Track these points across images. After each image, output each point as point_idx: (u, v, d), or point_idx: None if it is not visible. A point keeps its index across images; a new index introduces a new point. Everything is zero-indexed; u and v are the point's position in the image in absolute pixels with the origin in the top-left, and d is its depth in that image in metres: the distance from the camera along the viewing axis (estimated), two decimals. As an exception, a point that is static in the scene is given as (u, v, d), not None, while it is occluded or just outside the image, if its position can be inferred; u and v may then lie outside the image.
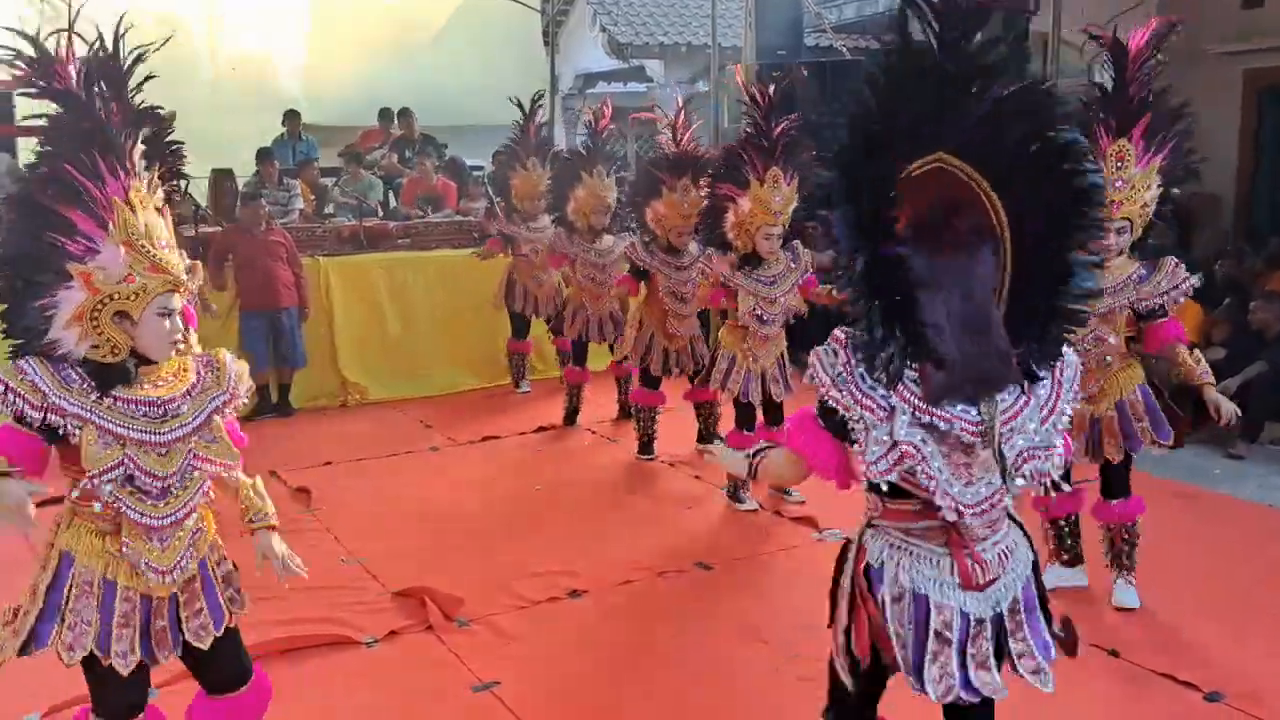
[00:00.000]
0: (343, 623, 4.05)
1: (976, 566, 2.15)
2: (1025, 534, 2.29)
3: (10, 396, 2.30)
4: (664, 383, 6.17)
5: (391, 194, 9.77)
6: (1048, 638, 2.27)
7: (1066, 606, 4.04)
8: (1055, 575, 4.13)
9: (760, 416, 5.30)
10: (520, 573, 4.56)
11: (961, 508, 2.09)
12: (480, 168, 10.58)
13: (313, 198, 9.05)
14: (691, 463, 6.07)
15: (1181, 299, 3.86)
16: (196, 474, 2.47)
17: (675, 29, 15.63)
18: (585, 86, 16.39)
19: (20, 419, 2.32)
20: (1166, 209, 3.94)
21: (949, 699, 2.16)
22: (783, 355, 5.26)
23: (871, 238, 2.00)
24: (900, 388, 2.06)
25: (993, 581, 2.18)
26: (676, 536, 5.06)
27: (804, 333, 5.14)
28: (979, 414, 2.07)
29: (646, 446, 6.20)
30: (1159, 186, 3.83)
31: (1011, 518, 2.26)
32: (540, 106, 7.69)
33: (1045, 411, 2.13)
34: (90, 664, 2.46)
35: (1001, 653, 2.22)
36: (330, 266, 7.67)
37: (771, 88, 4.94)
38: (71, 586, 2.43)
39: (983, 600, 2.17)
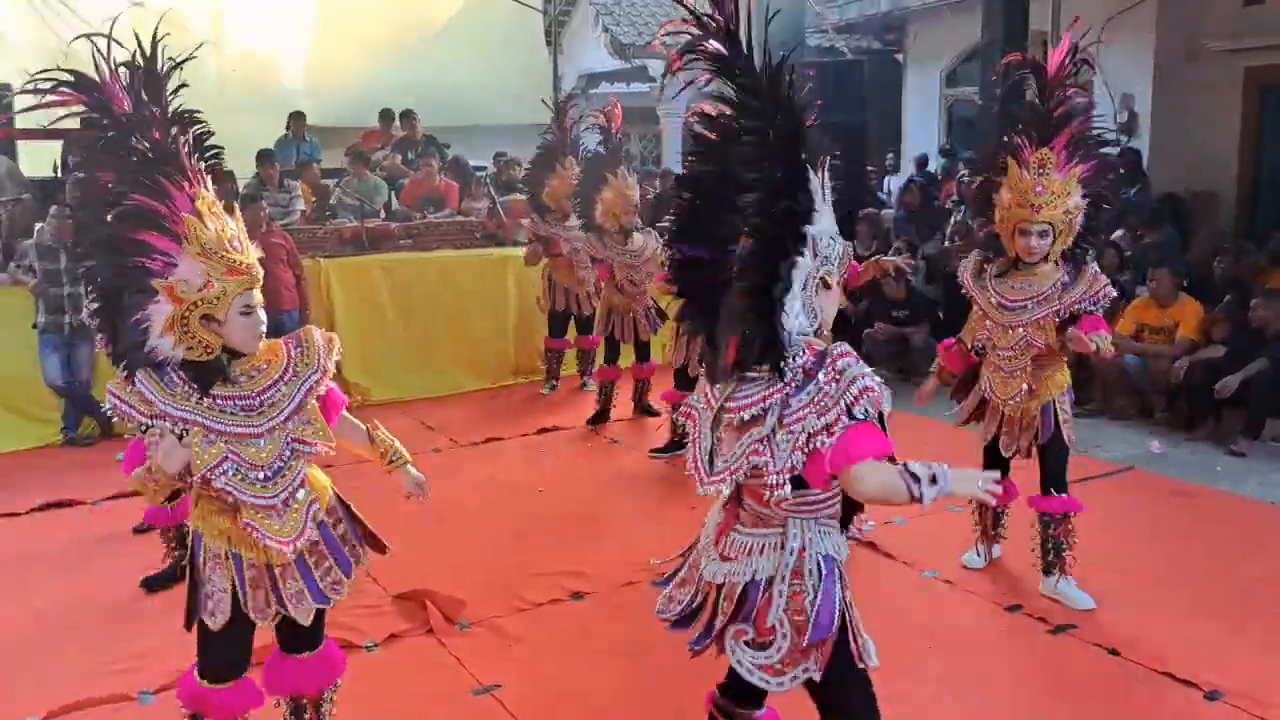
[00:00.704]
0: (343, 626, 4.04)
1: (724, 538, 2.49)
2: (783, 547, 2.41)
3: (124, 407, 2.50)
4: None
5: (393, 195, 9.77)
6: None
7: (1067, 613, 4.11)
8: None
9: None
10: (522, 575, 4.57)
11: (699, 473, 2.37)
12: (483, 168, 10.59)
13: (314, 199, 9.06)
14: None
15: (1099, 308, 3.97)
16: (299, 455, 2.64)
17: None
18: (589, 87, 16.40)
19: (144, 430, 2.51)
20: (1100, 221, 4.06)
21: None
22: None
23: (684, 242, 2.38)
24: None
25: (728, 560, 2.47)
26: (680, 537, 4.97)
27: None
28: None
29: (679, 444, 6.22)
30: (1083, 197, 3.94)
31: (787, 529, 2.39)
32: (574, 105, 7.73)
33: (790, 415, 2.22)
34: (203, 626, 2.68)
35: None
36: (331, 268, 7.68)
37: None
38: (205, 561, 2.65)
39: (717, 568, 2.51)
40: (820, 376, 2.22)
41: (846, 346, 2.29)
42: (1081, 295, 3.96)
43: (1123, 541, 4.82)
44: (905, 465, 2.19)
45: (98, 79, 2.49)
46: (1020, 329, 4.02)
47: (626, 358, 7.14)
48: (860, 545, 4.95)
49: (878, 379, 2.25)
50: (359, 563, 2.90)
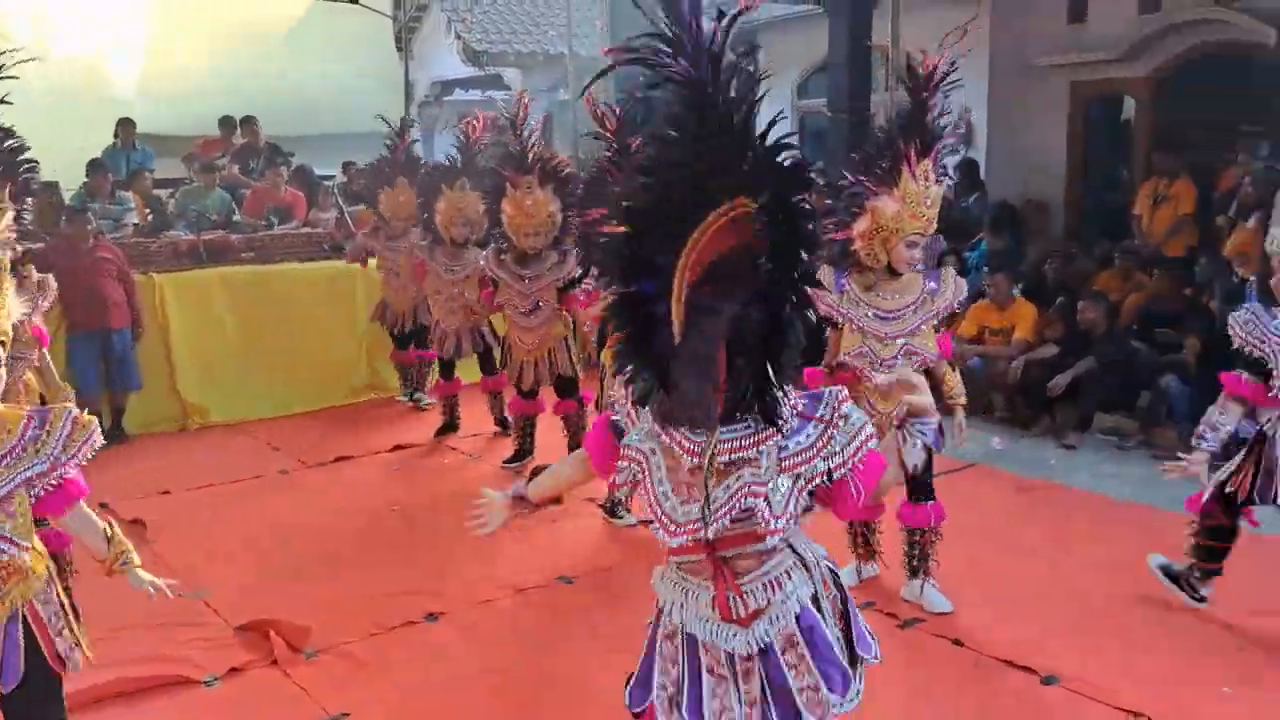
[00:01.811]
0: (180, 661, 3.85)
1: (736, 599, 2.14)
2: (804, 564, 2.22)
3: None
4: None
5: (235, 206, 9.40)
6: (844, 663, 2.22)
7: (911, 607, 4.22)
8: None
9: None
10: (373, 597, 4.43)
11: (672, 524, 2.12)
12: (330, 177, 10.30)
13: (147, 210, 8.64)
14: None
15: (961, 309, 4.11)
16: None
17: (532, 37, 15.57)
18: (442, 94, 16.18)
19: None
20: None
21: None
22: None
23: (631, 277, 2.04)
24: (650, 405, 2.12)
25: (758, 614, 2.15)
26: (539, 552, 4.99)
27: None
28: (700, 439, 2.08)
29: (519, 456, 6.15)
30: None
31: (792, 548, 2.21)
32: (412, 125, 7.54)
33: (788, 459, 2.10)
34: None
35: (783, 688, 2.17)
36: (166, 283, 7.31)
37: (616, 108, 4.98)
38: None
39: (743, 636, 2.15)
40: (817, 418, 2.13)
41: (845, 391, 2.20)
42: (951, 298, 4.07)
43: (966, 535, 4.95)
44: None
45: None
46: (900, 339, 4.00)
47: (468, 371, 7.03)
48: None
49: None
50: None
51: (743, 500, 2.07)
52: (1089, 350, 6.58)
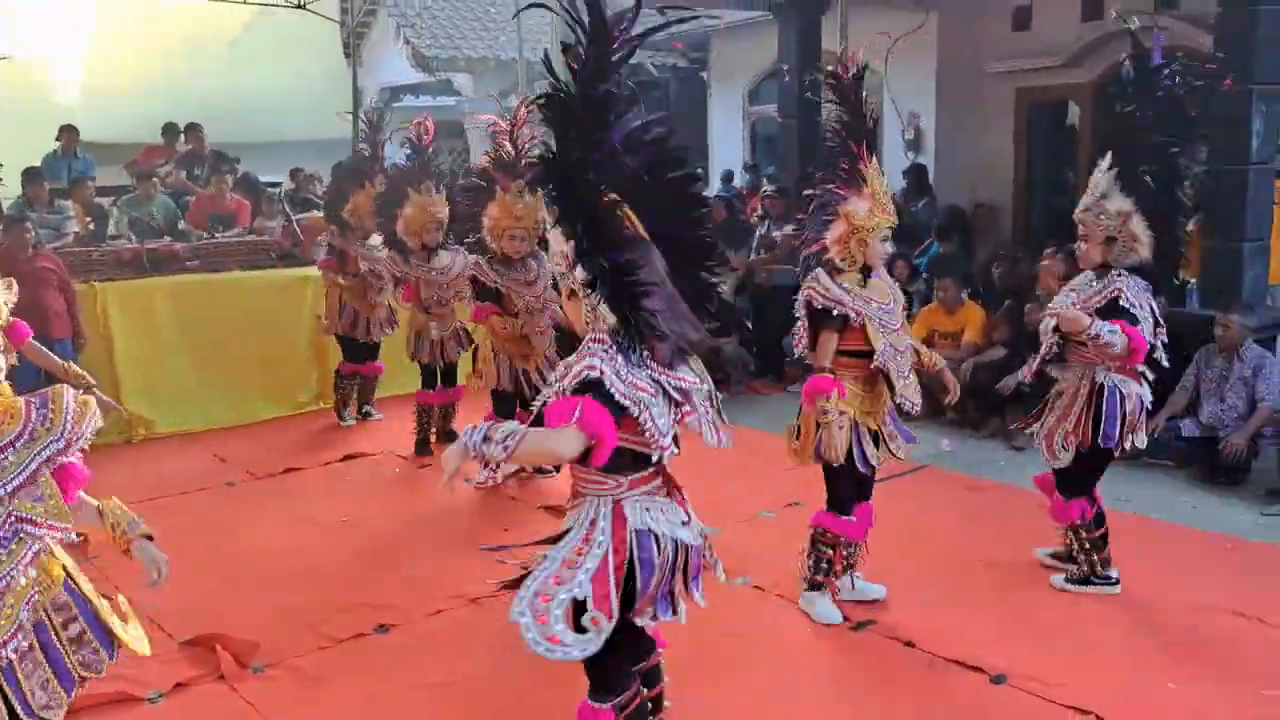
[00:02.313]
0: (122, 678, 3.75)
1: (685, 501, 2.79)
2: None
3: None
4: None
5: (180, 213, 9.25)
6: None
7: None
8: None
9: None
10: (323, 610, 4.36)
11: (673, 443, 2.63)
12: (276, 184, 10.17)
13: (88, 219, 8.47)
14: (508, 484, 5.99)
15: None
16: (22, 538, 2.28)
17: (483, 43, 15.50)
18: (391, 100, 16.05)
19: None
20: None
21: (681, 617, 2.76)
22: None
23: (597, 252, 2.49)
24: (650, 368, 2.57)
25: (690, 517, 2.79)
26: (492, 561, 4.93)
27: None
28: (694, 370, 2.68)
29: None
30: None
31: None
32: (387, 123, 7.41)
33: None
34: None
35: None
36: (109, 292, 7.16)
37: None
38: None
39: (693, 531, 2.77)
40: None
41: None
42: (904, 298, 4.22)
43: (917, 536, 5.01)
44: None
45: None
46: (899, 333, 4.07)
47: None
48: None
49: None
50: (93, 674, 2.50)
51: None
52: (1037, 352, 6.64)
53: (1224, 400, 5.82)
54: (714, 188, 12.53)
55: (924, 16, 9.20)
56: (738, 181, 12.40)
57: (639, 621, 2.68)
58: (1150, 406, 4.40)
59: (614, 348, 2.52)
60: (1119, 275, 4.20)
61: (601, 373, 2.47)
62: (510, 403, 5.83)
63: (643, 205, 2.56)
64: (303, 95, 13.55)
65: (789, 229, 8.73)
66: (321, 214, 7.98)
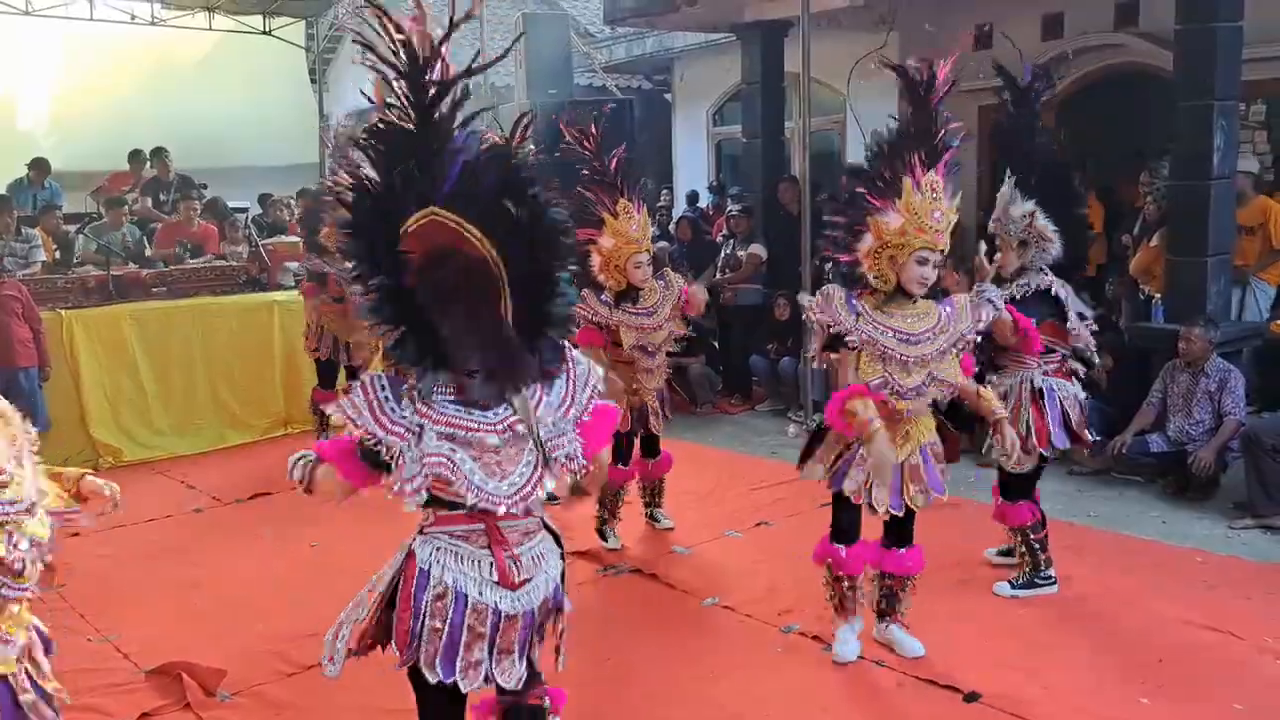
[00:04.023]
0: (88, 709, 3.69)
1: (513, 565, 2.43)
2: (558, 543, 2.57)
3: None
4: None
5: (146, 240, 9.18)
6: (558, 643, 2.59)
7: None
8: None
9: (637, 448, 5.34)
10: (291, 637, 4.30)
11: (498, 499, 2.35)
12: (244, 209, 10.12)
13: (54, 247, 8.39)
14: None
15: (978, 336, 3.82)
16: None
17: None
18: (357, 124, 16.01)
19: None
20: None
21: (476, 686, 2.45)
22: (662, 387, 5.24)
23: (384, 278, 2.31)
24: (425, 408, 2.33)
25: (526, 581, 2.45)
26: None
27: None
28: (506, 412, 2.38)
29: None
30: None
31: (547, 527, 2.54)
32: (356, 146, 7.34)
33: (563, 406, 2.45)
34: None
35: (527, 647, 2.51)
36: (75, 320, 7.10)
37: (591, 125, 5.08)
38: None
39: (515, 599, 2.44)
40: (557, 370, 2.47)
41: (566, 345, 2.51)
42: (971, 323, 3.71)
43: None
44: None
45: None
46: (926, 365, 3.62)
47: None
48: (642, 576, 4.96)
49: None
50: None
51: (556, 454, 2.40)
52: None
53: (1191, 415, 5.88)
54: (680, 208, 12.60)
55: (885, 36, 9.31)
56: (703, 201, 12.47)
57: (441, 676, 2.42)
58: (1085, 405, 4.54)
59: (379, 383, 2.37)
60: (1040, 272, 4.38)
61: (366, 432, 2.34)
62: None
63: (488, 231, 2.30)
64: (269, 121, 13.46)
65: (755, 247, 8.84)
66: (287, 239, 7.96)
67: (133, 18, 11.49)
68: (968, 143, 9.63)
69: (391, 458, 2.33)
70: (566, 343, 2.50)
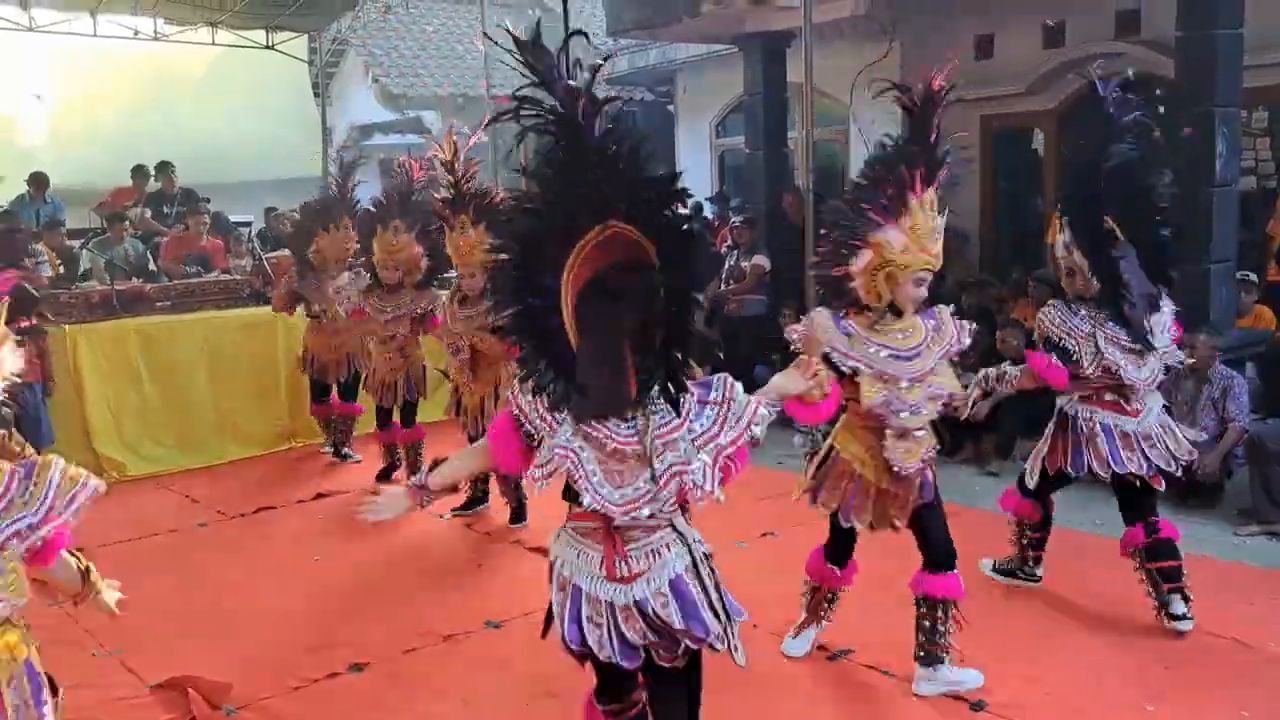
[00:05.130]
0: (92, 726, 3.70)
1: (621, 563, 2.55)
2: (685, 542, 2.65)
3: None
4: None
5: (150, 254, 9.21)
6: (705, 618, 2.59)
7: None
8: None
9: None
10: (295, 650, 4.32)
11: (611, 506, 2.47)
12: (247, 223, 10.15)
13: (59, 263, 8.42)
14: (483, 519, 5.95)
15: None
16: None
17: (450, 79, 15.59)
18: (361, 138, 16.09)
19: None
20: None
21: (611, 659, 2.56)
22: None
23: (520, 295, 2.49)
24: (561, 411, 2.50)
25: (636, 576, 2.56)
26: (466, 596, 4.92)
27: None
28: (632, 429, 2.48)
29: (472, 504, 6.01)
30: None
31: (674, 527, 2.63)
32: (357, 166, 7.41)
33: (705, 436, 2.54)
34: None
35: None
36: (79, 335, 7.11)
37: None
38: None
39: (624, 591, 2.56)
40: (713, 401, 2.57)
41: (731, 378, 2.61)
42: (955, 335, 3.67)
43: (893, 563, 4.99)
44: None
45: None
46: (922, 381, 3.57)
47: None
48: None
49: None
50: None
51: (675, 479, 2.48)
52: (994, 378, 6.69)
53: (1195, 422, 5.86)
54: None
55: (887, 46, 9.33)
56: (707, 212, 12.48)
57: (573, 647, 2.61)
58: (1149, 434, 4.24)
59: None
60: (1053, 306, 4.24)
61: (519, 409, 2.55)
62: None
63: (661, 246, 2.42)
64: (272, 135, 13.53)
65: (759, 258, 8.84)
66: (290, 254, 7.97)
67: (135, 33, 11.52)
68: (969, 157, 9.73)
69: (536, 443, 2.52)
70: (729, 377, 2.61)
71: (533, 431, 2.55)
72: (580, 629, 2.56)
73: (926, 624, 3.78)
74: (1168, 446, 4.23)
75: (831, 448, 3.81)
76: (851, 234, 3.57)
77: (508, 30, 2.42)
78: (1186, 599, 4.20)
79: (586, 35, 2.46)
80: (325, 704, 3.93)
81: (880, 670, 3.99)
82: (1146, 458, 4.19)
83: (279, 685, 4.03)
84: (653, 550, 2.58)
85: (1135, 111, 4.23)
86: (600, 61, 2.46)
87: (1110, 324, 4.13)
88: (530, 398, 2.53)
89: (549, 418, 2.52)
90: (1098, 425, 4.23)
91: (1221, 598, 4.55)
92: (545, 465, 2.49)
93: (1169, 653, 4.07)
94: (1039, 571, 4.67)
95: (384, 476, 6.78)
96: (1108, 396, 4.23)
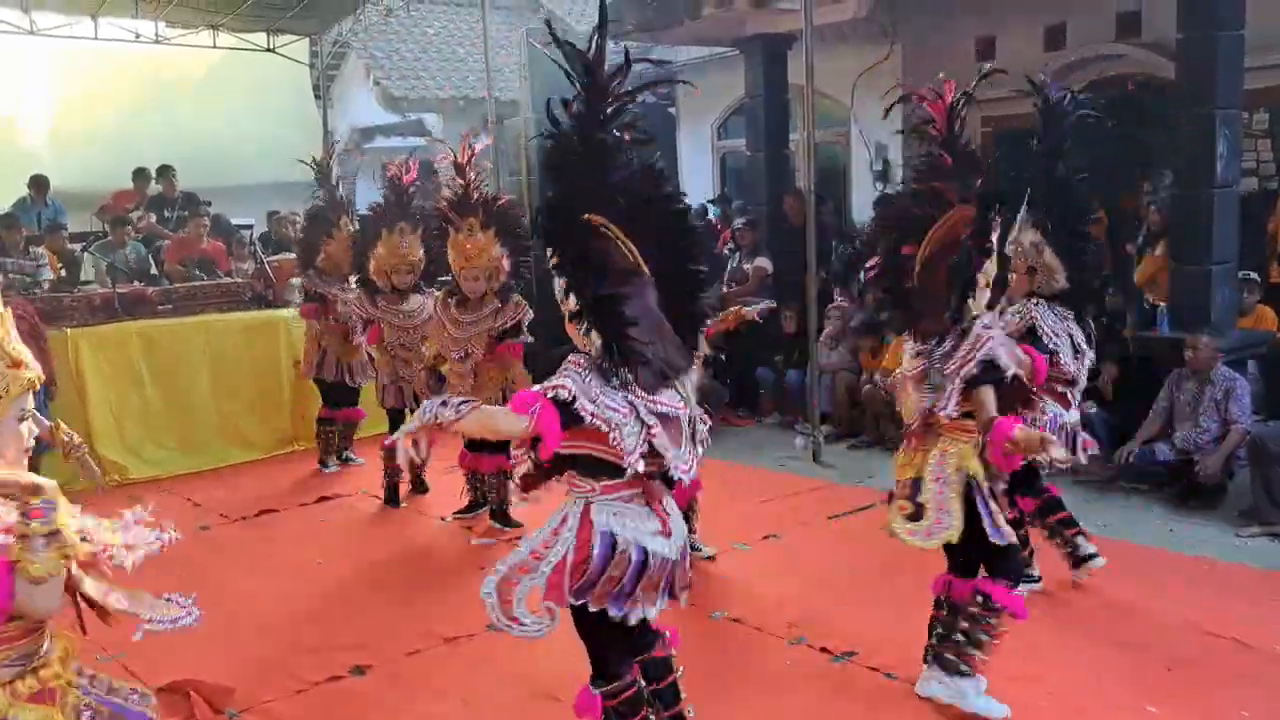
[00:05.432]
0: (95, 728, 3.70)
1: (667, 516, 2.84)
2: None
3: None
4: None
5: (152, 258, 9.22)
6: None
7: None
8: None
9: None
10: (298, 653, 4.32)
11: (682, 466, 2.79)
12: (248, 226, 10.16)
13: (60, 265, 8.43)
14: (483, 522, 5.96)
15: None
16: None
17: (452, 82, 15.60)
18: (363, 141, 16.09)
19: None
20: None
21: (635, 618, 2.81)
22: None
23: (585, 285, 2.69)
24: (629, 390, 2.68)
25: (671, 531, 2.85)
26: (467, 599, 4.88)
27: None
28: (680, 396, 2.78)
29: (473, 508, 5.99)
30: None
31: None
32: (333, 166, 7.30)
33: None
34: None
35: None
36: (81, 338, 7.12)
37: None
38: None
39: (672, 544, 2.84)
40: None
41: None
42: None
43: (894, 567, 4.99)
44: None
45: None
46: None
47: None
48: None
49: None
50: None
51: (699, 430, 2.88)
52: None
53: (1197, 424, 5.86)
54: (686, 221, 12.59)
55: (888, 48, 9.34)
56: (709, 214, 12.48)
57: (612, 612, 2.76)
58: (1078, 426, 4.58)
59: (591, 369, 2.67)
60: (1036, 304, 4.38)
61: (571, 394, 2.62)
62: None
63: (638, 239, 2.74)
64: (273, 138, 13.51)
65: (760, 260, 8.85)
66: (293, 255, 7.96)
67: (137, 36, 11.53)
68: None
69: (611, 429, 2.63)
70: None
71: (581, 413, 2.60)
72: (624, 597, 2.75)
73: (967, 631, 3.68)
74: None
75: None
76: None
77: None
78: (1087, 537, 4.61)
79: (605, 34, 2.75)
80: (327, 707, 3.94)
81: (884, 673, 3.99)
82: None
83: (281, 688, 4.04)
84: (669, 508, 2.88)
85: (1080, 111, 4.60)
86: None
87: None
88: (582, 381, 2.63)
89: (614, 402, 2.64)
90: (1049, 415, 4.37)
91: (1222, 598, 4.56)
92: (638, 449, 2.66)
93: (1169, 653, 4.07)
94: (1035, 571, 4.65)
95: (391, 497, 6.48)
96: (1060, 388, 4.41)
